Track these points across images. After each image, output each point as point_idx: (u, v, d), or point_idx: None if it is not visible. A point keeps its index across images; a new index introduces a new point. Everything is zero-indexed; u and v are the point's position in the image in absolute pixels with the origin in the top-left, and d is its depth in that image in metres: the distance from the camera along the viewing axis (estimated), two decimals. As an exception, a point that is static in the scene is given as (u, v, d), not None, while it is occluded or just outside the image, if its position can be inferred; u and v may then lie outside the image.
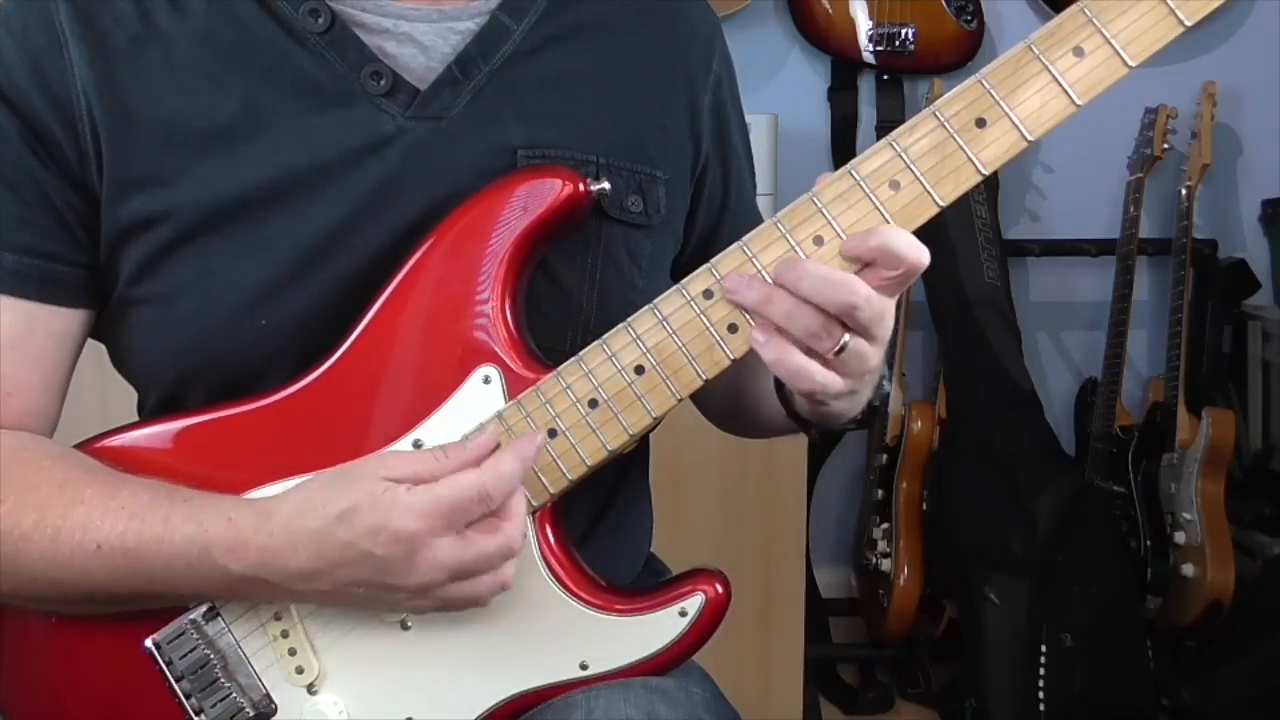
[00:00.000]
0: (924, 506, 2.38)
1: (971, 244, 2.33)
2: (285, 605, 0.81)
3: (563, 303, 0.85)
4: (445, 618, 0.80)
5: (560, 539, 0.81)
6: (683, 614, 0.80)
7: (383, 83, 0.83)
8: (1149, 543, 2.27)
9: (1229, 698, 2.05)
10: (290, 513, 0.74)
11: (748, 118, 1.00)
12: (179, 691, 0.81)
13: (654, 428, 0.81)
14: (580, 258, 0.86)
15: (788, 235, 0.75)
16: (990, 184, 2.38)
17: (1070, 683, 2.04)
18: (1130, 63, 0.71)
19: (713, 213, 0.96)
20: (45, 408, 0.85)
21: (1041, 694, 2.04)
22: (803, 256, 0.74)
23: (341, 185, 0.81)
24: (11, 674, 0.87)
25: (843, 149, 2.50)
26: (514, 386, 0.79)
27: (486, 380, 0.80)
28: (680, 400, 0.78)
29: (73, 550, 0.77)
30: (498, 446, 0.77)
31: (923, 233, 0.74)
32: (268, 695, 0.82)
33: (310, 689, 0.82)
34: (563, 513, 0.82)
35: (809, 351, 0.73)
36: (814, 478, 2.41)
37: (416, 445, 0.79)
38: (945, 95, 0.73)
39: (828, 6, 2.41)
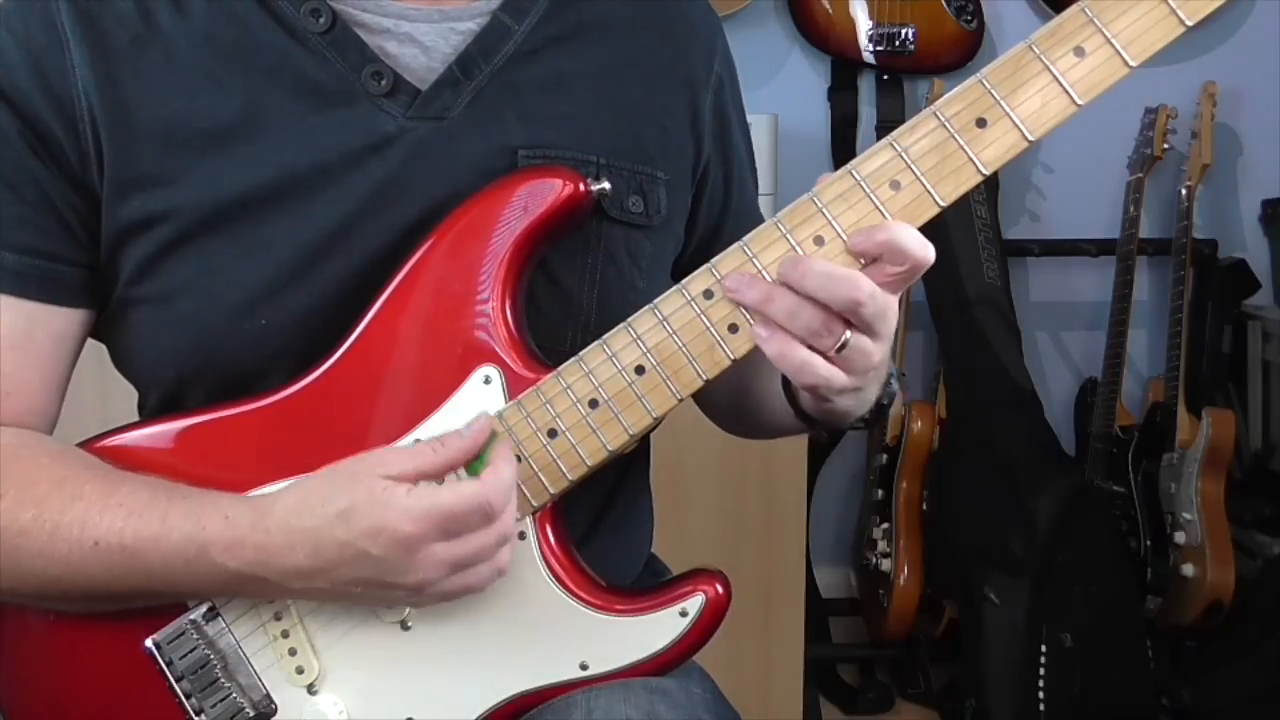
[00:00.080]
0: (924, 506, 2.37)
1: (971, 244, 2.33)
2: (285, 604, 0.81)
3: (563, 303, 0.85)
4: (445, 618, 0.80)
5: (560, 539, 0.81)
6: (683, 614, 0.80)
7: (384, 83, 0.83)
8: (1149, 543, 2.27)
9: (1229, 698, 2.05)
10: (287, 510, 0.74)
11: (748, 118, 1.00)
12: (179, 691, 0.81)
13: (654, 428, 0.81)
14: (580, 258, 0.86)
15: (788, 235, 0.74)
16: (990, 184, 2.38)
17: (1070, 683, 2.04)
18: (1131, 63, 0.71)
19: (714, 213, 0.96)
20: (45, 407, 0.85)
21: (1041, 694, 2.04)
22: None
23: (342, 185, 0.81)
24: (12, 673, 0.87)
25: (843, 149, 2.50)
26: (514, 386, 0.79)
27: (487, 380, 0.80)
28: (681, 400, 0.78)
29: (70, 546, 0.77)
30: (493, 434, 0.77)
31: (923, 232, 0.74)
32: (268, 695, 0.82)
33: (310, 689, 0.82)
34: (563, 513, 0.82)
35: (811, 348, 0.73)
36: (814, 478, 2.41)
37: (416, 445, 0.79)
38: (946, 95, 0.73)
39: (828, 6, 2.41)
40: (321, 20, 0.82)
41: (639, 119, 0.89)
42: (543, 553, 0.80)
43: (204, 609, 0.81)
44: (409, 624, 0.81)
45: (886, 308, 0.73)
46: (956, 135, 0.73)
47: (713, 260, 0.76)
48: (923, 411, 2.40)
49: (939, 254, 0.74)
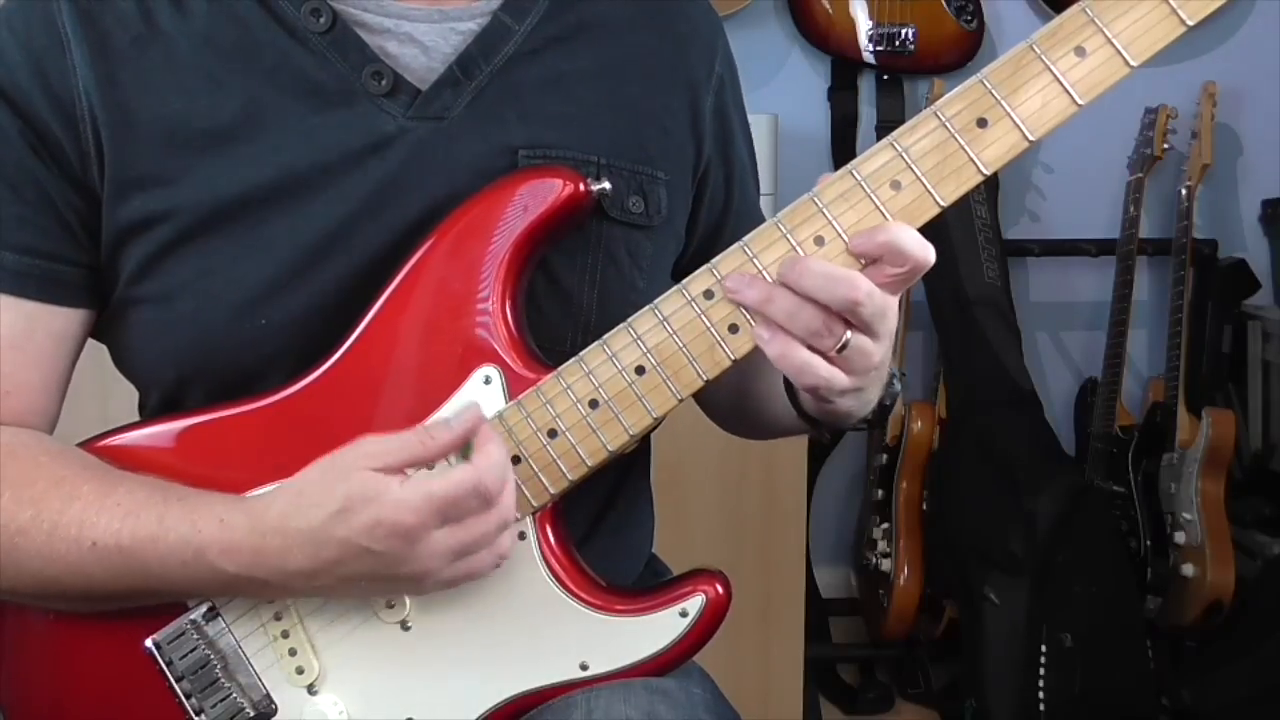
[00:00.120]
0: (924, 506, 2.37)
1: (971, 244, 2.33)
2: (285, 605, 0.81)
3: (563, 303, 0.85)
4: (445, 618, 0.80)
5: (561, 539, 0.81)
6: (683, 614, 0.80)
7: (384, 83, 0.83)
8: (1149, 543, 2.27)
9: (1229, 698, 2.05)
10: (281, 513, 0.74)
11: (748, 118, 1.00)
12: (179, 691, 0.81)
13: (655, 428, 0.81)
14: (581, 258, 0.86)
15: (788, 235, 0.74)
16: (990, 184, 2.38)
17: (1070, 683, 2.04)
18: (1132, 62, 0.71)
19: (715, 214, 0.96)
20: (45, 407, 0.85)
21: (1041, 694, 2.04)
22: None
23: (342, 185, 0.81)
24: (12, 673, 0.87)
25: (843, 149, 2.50)
26: (514, 386, 0.79)
27: (487, 380, 0.80)
28: (681, 401, 0.78)
29: (68, 546, 0.77)
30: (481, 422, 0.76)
31: (923, 232, 0.74)
32: (268, 695, 0.82)
33: (310, 689, 0.82)
34: (563, 513, 0.82)
35: (812, 349, 0.73)
36: (814, 478, 2.41)
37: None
38: (946, 95, 0.73)
39: (828, 6, 2.41)
40: (322, 20, 0.82)
41: (639, 119, 0.89)
42: (543, 553, 0.80)
43: (204, 609, 0.81)
44: (409, 624, 0.81)
45: (886, 308, 0.73)
46: (957, 135, 0.73)
47: (713, 260, 0.76)
48: (923, 411, 2.40)
49: (939, 254, 0.74)
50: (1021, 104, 0.72)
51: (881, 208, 0.73)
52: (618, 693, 0.79)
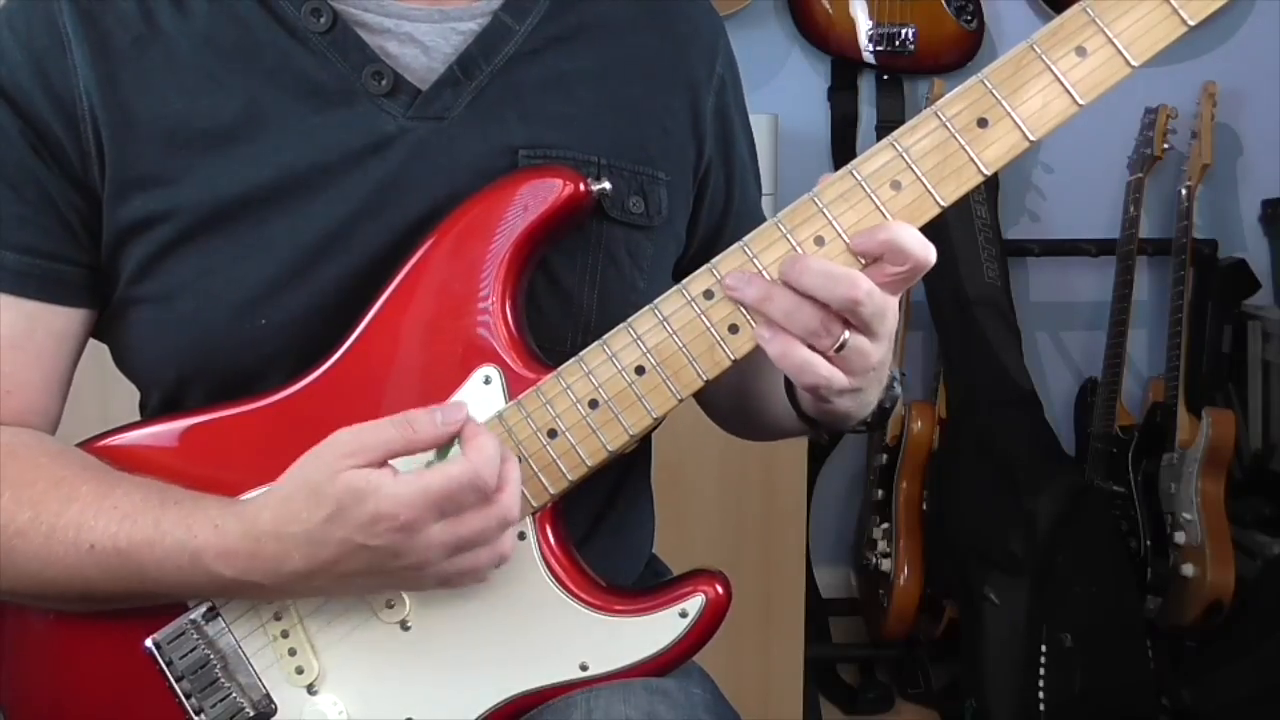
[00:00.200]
0: (924, 506, 2.37)
1: (971, 244, 2.33)
2: (285, 604, 0.81)
3: (563, 303, 0.85)
4: (445, 619, 0.80)
5: (560, 539, 0.81)
6: (683, 615, 0.80)
7: (384, 83, 0.83)
8: (1149, 543, 2.27)
9: (1229, 698, 2.05)
10: (274, 518, 0.74)
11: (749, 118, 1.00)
12: (179, 691, 0.81)
13: (655, 428, 0.81)
14: (581, 258, 0.86)
15: (789, 235, 0.74)
16: (990, 184, 2.38)
17: (1070, 683, 2.04)
18: (1133, 63, 0.71)
19: (715, 215, 0.96)
20: (46, 406, 0.85)
21: (1041, 694, 2.04)
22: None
23: (343, 185, 0.81)
24: (12, 673, 0.87)
25: (843, 149, 2.50)
26: (514, 386, 0.79)
27: (487, 380, 0.79)
28: (681, 401, 0.78)
29: (66, 549, 0.77)
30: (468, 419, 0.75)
31: (923, 232, 0.73)
32: (268, 695, 0.82)
33: (310, 689, 0.82)
34: (563, 513, 0.82)
35: (811, 348, 0.73)
36: (814, 478, 2.41)
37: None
38: (947, 95, 0.73)
39: (828, 6, 2.41)
40: (322, 20, 0.82)
41: (640, 119, 0.89)
42: (543, 553, 0.80)
43: (204, 609, 0.81)
44: (409, 624, 0.81)
45: (885, 308, 0.73)
46: (958, 135, 0.72)
47: (713, 260, 0.76)
48: (923, 411, 2.40)
49: (939, 254, 0.74)
50: (1022, 104, 0.72)
51: (882, 208, 0.73)
52: (617, 693, 0.79)
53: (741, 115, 0.97)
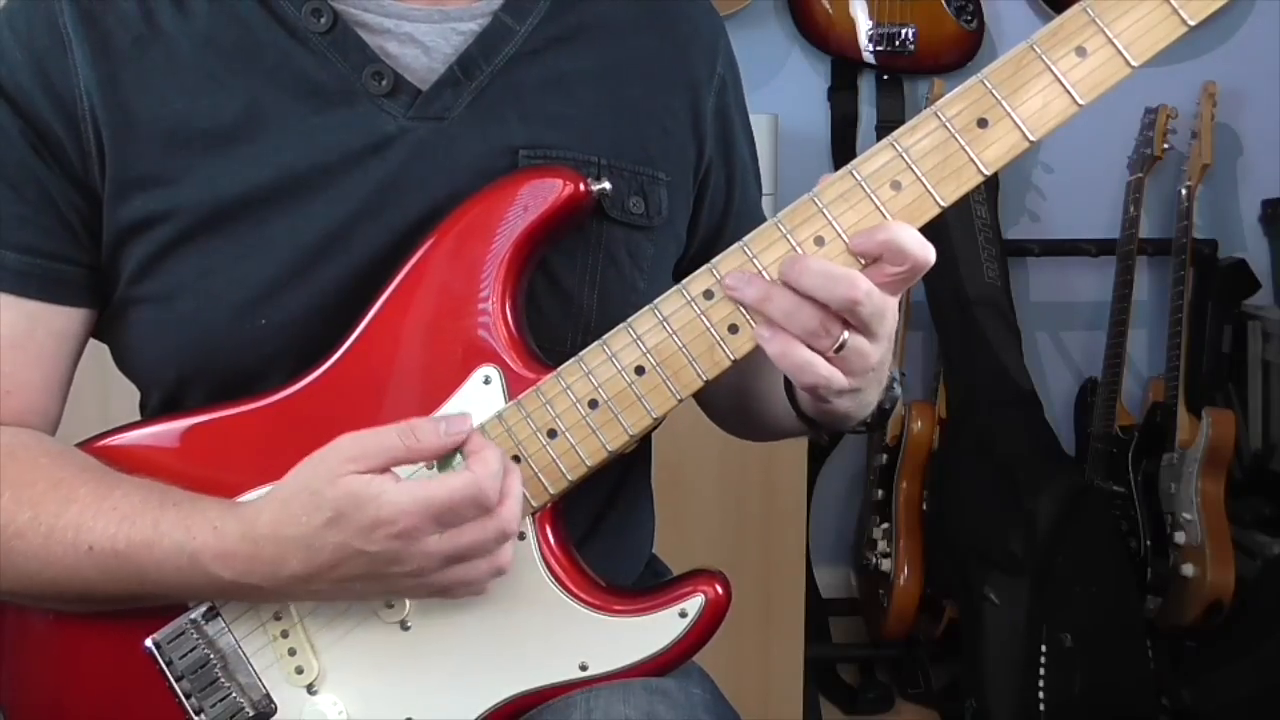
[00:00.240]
0: (924, 506, 2.37)
1: (971, 244, 2.33)
2: (285, 605, 0.81)
3: (563, 303, 0.85)
4: (445, 618, 0.80)
5: (560, 540, 0.81)
6: (683, 615, 0.80)
7: (384, 83, 0.83)
8: (1149, 543, 2.27)
9: (1229, 698, 2.05)
10: (272, 521, 0.74)
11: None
12: (179, 691, 0.81)
13: (654, 428, 0.81)
14: (581, 258, 0.86)
15: (788, 235, 0.74)
16: (990, 184, 2.38)
17: (1070, 683, 2.04)
18: (1133, 63, 0.71)
19: (716, 215, 0.96)
20: (46, 406, 0.85)
21: (1041, 694, 2.04)
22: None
23: (343, 185, 0.81)
24: (12, 673, 0.87)
25: (843, 149, 2.50)
26: (514, 387, 0.79)
27: (487, 380, 0.79)
28: (680, 401, 0.78)
29: (65, 550, 0.77)
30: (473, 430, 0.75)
31: (923, 232, 0.73)
32: (268, 695, 0.82)
33: (310, 689, 0.82)
34: (563, 513, 0.82)
35: (811, 348, 0.73)
36: (814, 478, 2.41)
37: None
38: (947, 95, 0.73)
39: (828, 6, 2.41)
40: (323, 20, 0.82)
41: (640, 120, 0.89)
42: (542, 553, 0.80)
43: (204, 609, 0.81)
44: (409, 624, 0.81)
45: (884, 308, 0.73)
46: (958, 135, 0.72)
47: (713, 260, 0.76)
48: (923, 411, 2.40)
49: (939, 254, 0.74)
50: (1022, 104, 0.72)
51: (881, 208, 0.73)
52: (617, 693, 0.79)
53: (742, 115, 0.97)
